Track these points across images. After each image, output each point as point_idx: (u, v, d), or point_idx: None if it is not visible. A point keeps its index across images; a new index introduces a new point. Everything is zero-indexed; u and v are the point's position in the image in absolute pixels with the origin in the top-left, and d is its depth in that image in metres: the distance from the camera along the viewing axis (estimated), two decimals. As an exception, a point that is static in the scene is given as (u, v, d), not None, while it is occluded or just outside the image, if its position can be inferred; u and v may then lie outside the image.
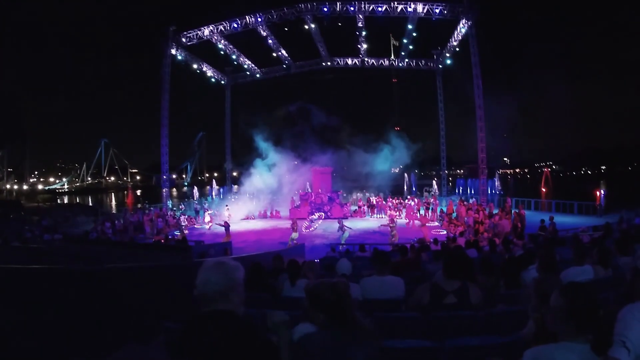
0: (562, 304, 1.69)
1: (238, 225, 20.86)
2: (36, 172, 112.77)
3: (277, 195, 26.90)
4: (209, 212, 22.61)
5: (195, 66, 28.01)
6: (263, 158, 28.21)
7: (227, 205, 24.07)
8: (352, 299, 1.89)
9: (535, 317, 2.13)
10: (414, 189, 33.02)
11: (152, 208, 25.17)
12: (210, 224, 20.94)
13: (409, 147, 29.63)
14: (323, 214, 22.01)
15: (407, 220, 20.40)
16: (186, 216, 22.21)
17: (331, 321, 1.80)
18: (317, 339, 1.78)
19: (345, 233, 15.80)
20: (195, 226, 22.09)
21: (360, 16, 22.95)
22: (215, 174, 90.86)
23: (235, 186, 31.19)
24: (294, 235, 15.88)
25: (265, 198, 26.95)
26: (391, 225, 15.86)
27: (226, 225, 17.34)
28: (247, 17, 23.57)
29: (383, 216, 22.63)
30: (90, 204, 51.55)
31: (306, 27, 24.13)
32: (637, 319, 1.73)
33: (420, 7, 22.03)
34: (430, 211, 21.80)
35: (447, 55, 27.48)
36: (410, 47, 27.43)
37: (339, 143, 30.86)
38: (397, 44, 28.17)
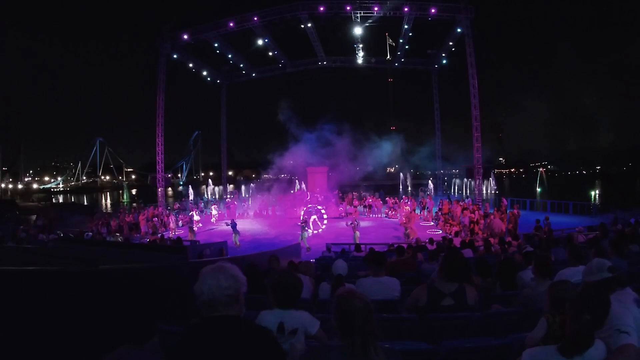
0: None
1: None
2: (31, 172, 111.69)
3: (273, 194, 26.76)
4: (215, 206, 23.48)
5: (190, 65, 27.91)
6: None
7: (214, 205, 24.21)
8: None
9: (547, 317, 2.15)
10: (409, 189, 33.07)
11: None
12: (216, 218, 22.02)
13: (404, 146, 29.59)
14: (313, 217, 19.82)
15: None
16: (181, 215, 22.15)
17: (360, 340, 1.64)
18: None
19: (304, 232, 15.45)
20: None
21: (357, 15, 22.91)
22: (211, 173, 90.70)
23: (231, 186, 31.04)
24: (305, 234, 15.41)
25: (261, 197, 26.86)
26: (353, 224, 15.61)
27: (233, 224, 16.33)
28: (242, 15, 23.47)
29: (379, 216, 22.70)
30: (86, 203, 51.23)
31: (302, 26, 24.05)
32: (622, 305, 1.92)
33: (416, 7, 22.05)
34: (425, 211, 21.82)
35: (443, 55, 27.52)
36: (407, 47, 27.46)
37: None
38: (393, 44, 28.16)
